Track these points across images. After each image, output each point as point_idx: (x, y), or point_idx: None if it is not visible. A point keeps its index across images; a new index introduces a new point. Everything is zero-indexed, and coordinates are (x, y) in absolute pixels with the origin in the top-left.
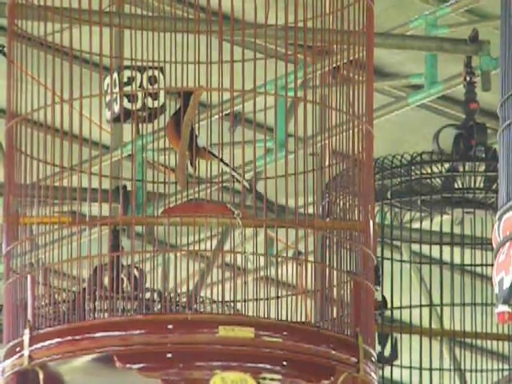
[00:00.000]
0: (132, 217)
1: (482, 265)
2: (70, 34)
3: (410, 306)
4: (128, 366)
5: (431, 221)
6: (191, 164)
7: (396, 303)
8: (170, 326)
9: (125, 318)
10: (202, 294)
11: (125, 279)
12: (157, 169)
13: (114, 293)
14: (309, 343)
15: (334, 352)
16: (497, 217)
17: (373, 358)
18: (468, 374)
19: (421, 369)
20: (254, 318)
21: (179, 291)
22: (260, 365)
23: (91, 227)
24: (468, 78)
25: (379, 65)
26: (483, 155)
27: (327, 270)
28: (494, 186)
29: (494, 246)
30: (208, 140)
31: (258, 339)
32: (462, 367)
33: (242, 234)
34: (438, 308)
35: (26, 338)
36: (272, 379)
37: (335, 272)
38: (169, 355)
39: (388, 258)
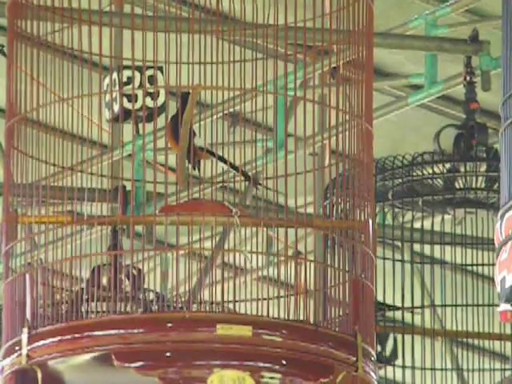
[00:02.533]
0: (131, 216)
1: (483, 264)
2: (68, 33)
3: (412, 307)
4: (126, 364)
5: (432, 221)
6: (189, 163)
7: (397, 303)
8: (168, 325)
9: (123, 316)
10: (200, 293)
11: (125, 279)
12: (156, 168)
13: (112, 292)
14: (307, 342)
15: (332, 351)
16: (499, 216)
17: (372, 357)
18: (469, 374)
19: (423, 369)
20: (252, 316)
21: (177, 291)
22: (258, 363)
23: (90, 226)
24: (468, 78)
25: (379, 65)
26: (484, 155)
27: (326, 268)
28: (495, 186)
29: (496, 244)
30: (207, 139)
31: (256, 338)
32: (463, 367)
33: (239, 232)
34: (439, 308)
35: (25, 336)
36: (270, 378)
37: (334, 271)
38: (167, 354)
39: (389, 258)
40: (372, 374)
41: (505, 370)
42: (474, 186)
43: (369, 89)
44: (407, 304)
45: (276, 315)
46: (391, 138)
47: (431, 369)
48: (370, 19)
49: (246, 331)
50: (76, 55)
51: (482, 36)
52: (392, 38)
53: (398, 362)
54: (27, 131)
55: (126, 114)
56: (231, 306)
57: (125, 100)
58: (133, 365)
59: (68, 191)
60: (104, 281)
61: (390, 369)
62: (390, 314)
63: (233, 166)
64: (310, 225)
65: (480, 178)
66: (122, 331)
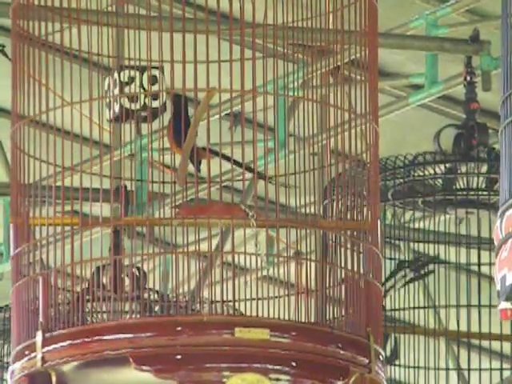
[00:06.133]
0: (146, 218)
1: (481, 264)
2: (70, 33)
3: (414, 307)
4: (144, 367)
5: (434, 221)
6: (192, 163)
7: (400, 304)
8: (184, 328)
9: (138, 319)
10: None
11: (126, 279)
12: (158, 168)
13: (118, 294)
14: (322, 344)
15: (347, 353)
16: (498, 214)
17: (381, 357)
18: (468, 373)
19: (426, 368)
20: (269, 319)
21: (186, 292)
22: (275, 366)
23: (102, 228)
24: (468, 78)
25: (380, 65)
26: (484, 155)
27: (336, 269)
28: (495, 187)
29: (496, 243)
30: (208, 139)
31: (273, 340)
32: (463, 367)
33: (256, 236)
34: (440, 308)
35: (39, 339)
36: (286, 380)
37: (345, 272)
38: (185, 357)
39: (391, 258)
40: (382, 374)
41: (502, 369)
42: (473, 186)
43: (374, 88)
44: (410, 304)
45: (289, 317)
46: (391, 137)
47: (434, 369)
48: (373, 18)
49: (263, 334)
50: (77, 55)
51: (483, 36)
52: (392, 38)
53: (401, 362)
54: (33, 133)
55: (126, 114)
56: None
57: (126, 100)
58: (150, 368)
59: (76, 192)
60: (106, 280)
61: (392, 369)
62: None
63: (236, 163)
64: (323, 226)
65: (481, 178)
66: (138, 334)
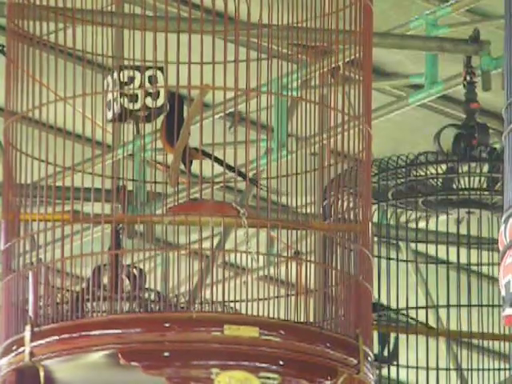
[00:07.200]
0: (137, 215)
1: (481, 264)
2: (64, 32)
3: (417, 307)
4: (132, 363)
5: (437, 221)
6: (184, 164)
7: (402, 304)
8: (174, 325)
9: (127, 315)
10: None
11: (125, 279)
12: (153, 166)
13: (113, 292)
14: (311, 344)
15: (335, 353)
16: (503, 219)
17: (369, 358)
18: (471, 374)
19: (427, 369)
20: (259, 317)
21: (179, 290)
22: (264, 364)
23: (93, 225)
24: (468, 78)
25: (379, 64)
26: (485, 155)
27: (328, 270)
28: (496, 187)
29: (500, 248)
30: (204, 140)
31: (262, 339)
32: (464, 366)
33: (246, 233)
34: (441, 308)
35: (28, 334)
36: (274, 379)
37: (336, 273)
38: (173, 353)
39: (393, 259)
40: (370, 375)
41: (504, 369)
42: (471, 186)
43: (368, 90)
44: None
45: (279, 316)
46: (391, 137)
47: (435, 369)
48: (368, 20)
49: (253, 332)
50: (71, 54)
51: (483, 36)
52: (392, 38)
53: (403, 362)
54: (25, 129)
55: (123, 114)
56: (233, 306)
57: (125, 100)
58: (139, 364)
59: (68, 191)
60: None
61: (393, 368)
62: (393, 314)
63: (229, 167)
64: (314, 227)
65: (481, 178)
66: (126, 330)
